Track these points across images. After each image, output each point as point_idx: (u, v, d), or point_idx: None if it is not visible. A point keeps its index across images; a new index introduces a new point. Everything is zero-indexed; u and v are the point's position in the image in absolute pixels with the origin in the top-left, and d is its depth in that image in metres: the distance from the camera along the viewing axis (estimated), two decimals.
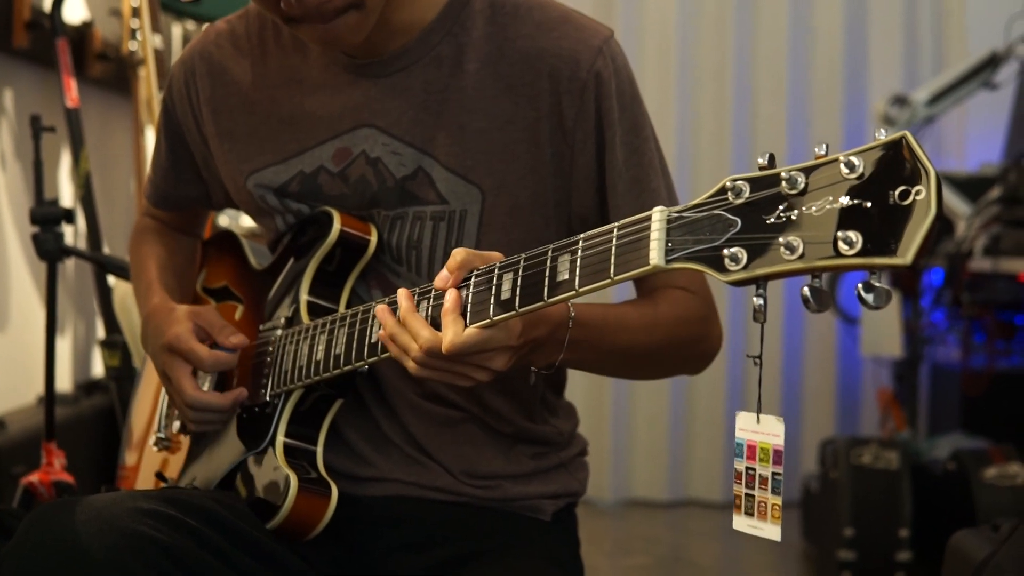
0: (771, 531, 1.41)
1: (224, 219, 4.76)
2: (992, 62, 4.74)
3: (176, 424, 2.19)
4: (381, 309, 1.70)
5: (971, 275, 4.35)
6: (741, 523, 1.44)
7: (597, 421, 5.63)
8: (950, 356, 4.93)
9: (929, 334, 4.77)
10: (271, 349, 1.99)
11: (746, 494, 1.43)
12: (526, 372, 1.76)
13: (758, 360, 1.41)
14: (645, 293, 1.98)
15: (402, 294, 1.68)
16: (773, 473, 1.40)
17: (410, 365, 1.66)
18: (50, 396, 3.11)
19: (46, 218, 3.10)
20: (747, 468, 1.43)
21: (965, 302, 4.41)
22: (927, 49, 5.80)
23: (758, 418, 1.42)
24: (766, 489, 1.41)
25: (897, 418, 4.76)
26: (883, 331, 4.60)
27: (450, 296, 1.61)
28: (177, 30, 4.90)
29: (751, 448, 1.43)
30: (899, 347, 4.60)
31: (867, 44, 5.82)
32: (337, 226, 1.94)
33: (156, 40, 4.33)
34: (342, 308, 1.97)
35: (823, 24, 5.81)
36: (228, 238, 2.31)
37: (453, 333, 1.59)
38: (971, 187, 4.73)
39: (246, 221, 4.81)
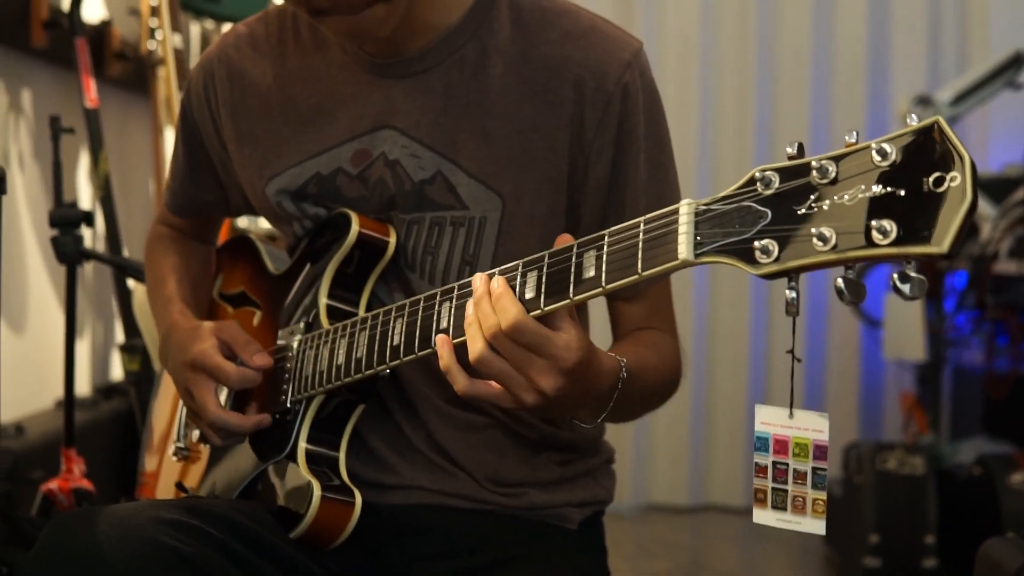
0: (813, 525, 1.39)
1: (243, 221, 4.75)
2: (1016, 62, 4.71)
3: (195, 433, 2.17)
4: (480, 274, 1.62)
5: (995, 277, 4.32)
6: (767, 516, 1.42)
7: (617, 426, 5.57)
8: (973, 359, 4.90)
9: (952, 337, 4.74)
10: (290, 354, 1.97)
11: (773, 488, 1.41)
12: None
13: (791, 353, 1.38)
14: (629, 333, 1.96)
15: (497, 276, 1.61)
16: (815, 468, 1.39)
17: (478, 346, 1.58)
18: (70, 402, 3.09)
19: (65, 221, 3.09)
20: (775, 463, 1.40)
21: (989, 305, 4.38)
22: (950, 48, 5.77)
23: (791, 412, 1.40)
24: (804, 484, 1.39)
25: (920, 422, 4.73)
26: (906, 334, 4.57)
27: (502, 280, 1.57)
28: (195, 29, 4.89)
29: (780, 443, 1.40)
30: (922, 350, 4.57)
31: (890, 42, 5.80)
32: (355, 228, 1.91)
33: (176, 39, 4.32)
34: (362, 311, 1.94)
35: (846, 22, 5.80)
36: (244, 242, 2.29)
37: (518, 309, 1.53)
38: (995, 188, 4.70)
39: (264, 224, 4.80)
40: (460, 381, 1.60)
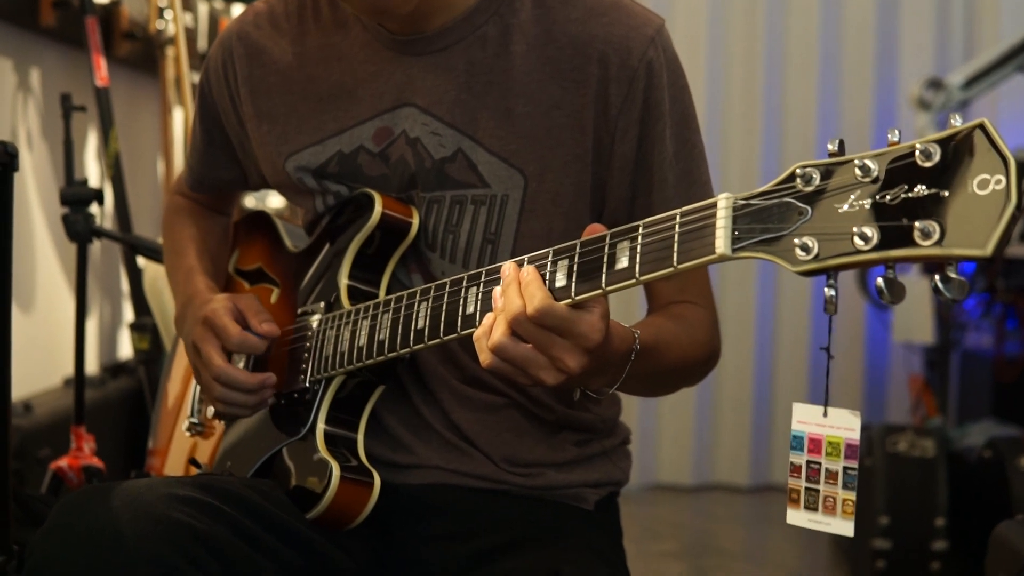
0: (841, 526, 1.39)
1: (251, 200, 4.74)
2: None
3: (211, 409, 2.15)
4: (510, 261, 1.62)
5: (1005, 261, 4.31)
6: (799, 517, 1.42)
7: (624, 405, 5.58)
8: (981, 342, 4.90)
9: (961, 321, 4.73)
10: (310, 334, 1.96)
11: (806, 488, 1.40)
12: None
13: (826, 350, 1.38)
14: (662, 307, 1.95)
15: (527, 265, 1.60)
16: (845, 468, 1.39)
17: (499, 332, 1.56)
18: (80, 380, 3.08)
19: (77, 199, 3.08)
20: (809, 462, 1.39)
21: (999, 288, 4.38)
22: (959, 32, 5.76)
23: (825, 411, 1.39)
24: (835, 484, 1.39)
25: (929, 405, 4.72)
26: (915, 318, 4.56)
27: (531, 268, 1.56)
28: (204, 8, 4.87)
29: (814, 441, 1.39)
30: (931, 334, 4.56)
31: (898, 27, 5.79)
32: (379, 208, 1.90)
33: (187, 18, 4.30)
34: (382, 293, 1.94)
35: (854, 7, 5.78)
36: (261, 218, 2.28)
37: (544, 295, 1.52)
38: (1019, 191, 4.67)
39: (273, 202, 4.79)
40: (486, 354, 1.59)
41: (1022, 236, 4.20)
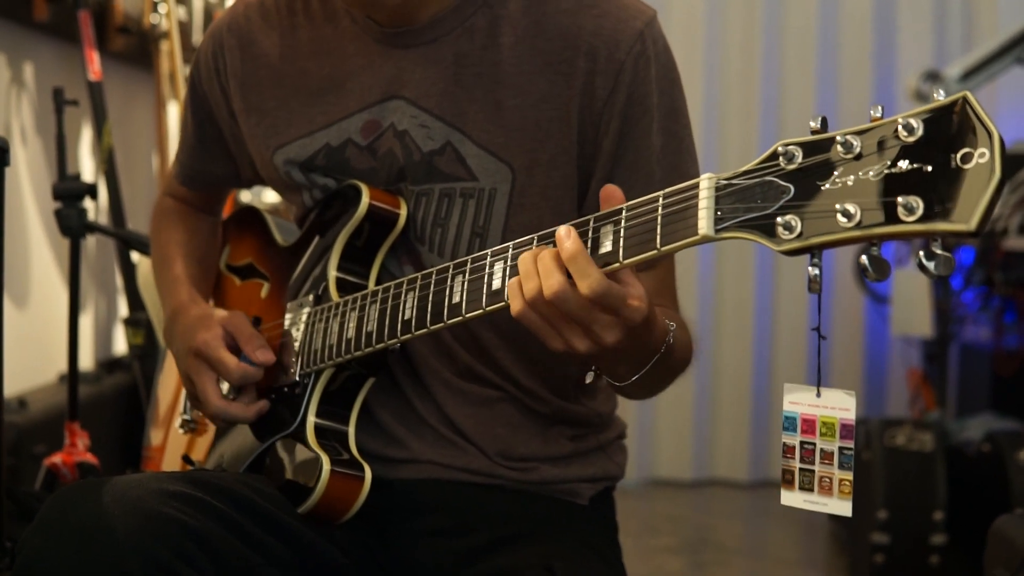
0: (839, 506, 1.38)
1: (246, 195, 4.74)
2: None
3: None
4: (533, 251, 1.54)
5: (1004, 254, 4.30)
6: (794, 498, 1.41)
7: (620, 400, 5.57)
8: (979, 336, 4.89)
9: (960, 314, 4.72)
10: (300, 327, 1.95)
11: (801, 468, 1.39)
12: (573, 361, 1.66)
13: (817, 331, 1.37)
14: None
15: (563, 231, 1.51)
16: (842, 448, 1.38)
17: (551, 286, 1.48)
18: (73, 376, 3.08)
19: (69, 193, 3.08)
20: (802, 443, 1.38)
21: (998, 281, 4.36)
22: (957, 24, 5.76)
23: (818, 391, 1.38)
24: (831, 464, 1.38)
25: (927, 398, 4.71)
26: (913, 310, 4.55)
27: (575, 239, 1.49)
28: (198, 2, 4.86)
29: (807, 422, 1.38)
30: (929, 327, 4.55)
31: (896, 18, 5.78)
32: (366, 200, 1.89)
33: (181, 12, 4.29)
34: (372, 285, 1.92)
35: None
36: (252, 214, 2.27)
37: (598, 273, 1.46)
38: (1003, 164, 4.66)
39: (268, 198, 4.79)
40: (517, 302, 1.53)
41: (1020, 229, 4.18)
